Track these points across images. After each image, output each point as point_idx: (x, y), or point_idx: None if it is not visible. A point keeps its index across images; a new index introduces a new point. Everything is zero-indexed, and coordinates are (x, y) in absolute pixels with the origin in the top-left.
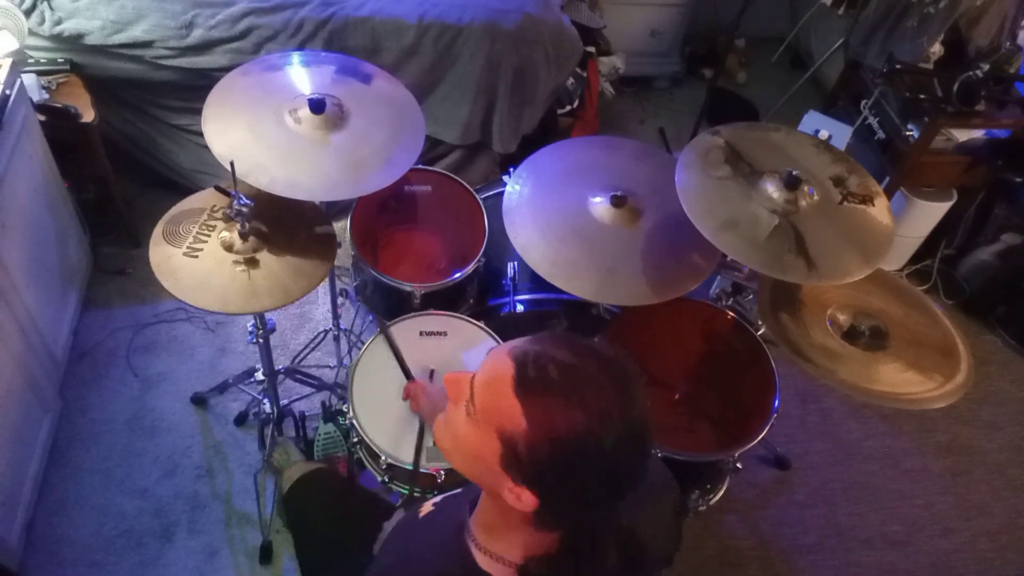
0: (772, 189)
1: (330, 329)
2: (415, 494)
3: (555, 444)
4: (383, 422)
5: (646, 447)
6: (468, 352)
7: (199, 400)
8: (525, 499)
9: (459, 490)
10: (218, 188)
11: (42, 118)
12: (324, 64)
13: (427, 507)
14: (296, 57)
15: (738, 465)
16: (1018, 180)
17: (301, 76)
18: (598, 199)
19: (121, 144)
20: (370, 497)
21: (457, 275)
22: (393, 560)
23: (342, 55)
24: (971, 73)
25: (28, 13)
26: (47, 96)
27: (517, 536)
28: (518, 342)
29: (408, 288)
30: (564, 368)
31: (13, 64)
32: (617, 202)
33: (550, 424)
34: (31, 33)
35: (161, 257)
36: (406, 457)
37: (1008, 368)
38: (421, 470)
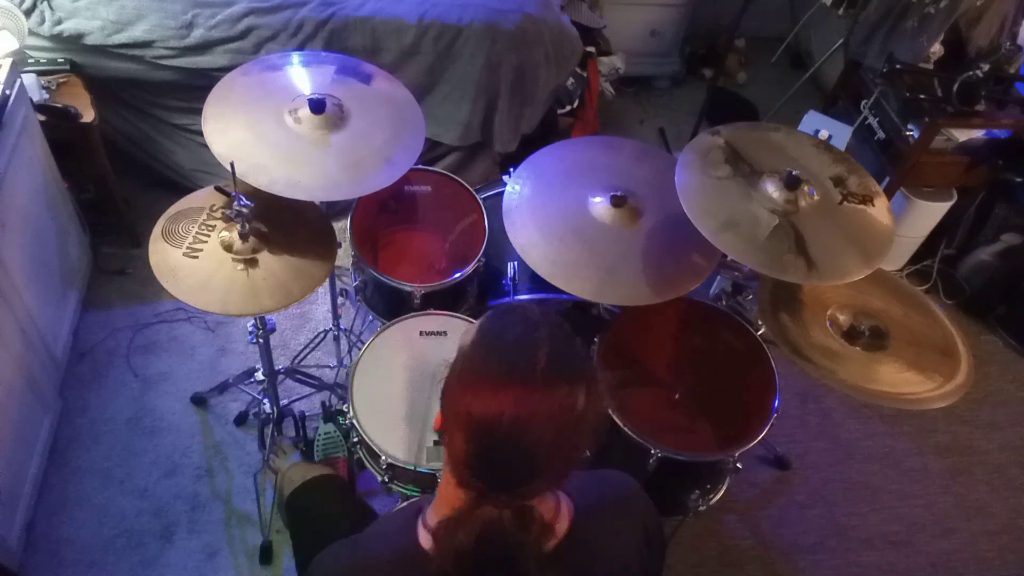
0: (772, 189)
1: (330, 329)
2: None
3: (466, 368)
4: (383, 422)
5: (534, 450)
6: None
7: (199, 400)
8: (438, 417)
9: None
10: (218, 188)
11: (42, 118)
12: (324, 64)
13: (402, 503)
14: (296, 57)
15: (738, 465)
16: (1018, 180)
17: (301, 76)
18: (598, 199)
19: (121, 144)
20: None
21: (457, 275)
22: (340, 544)
23: (342, 55)
24: (971, 73)
25: (28, 13)
26: (47, 96)
27: (447, 490)
28: (536, 308)
29: (408, 288)
30: (528, 323)
31: (13, 64)
32: (617, 202)
33: (477, 345)
34: (31, 33)
35: (161, 257)
36: (406, 457)
37: (1008, 368)
38: (419, 469)
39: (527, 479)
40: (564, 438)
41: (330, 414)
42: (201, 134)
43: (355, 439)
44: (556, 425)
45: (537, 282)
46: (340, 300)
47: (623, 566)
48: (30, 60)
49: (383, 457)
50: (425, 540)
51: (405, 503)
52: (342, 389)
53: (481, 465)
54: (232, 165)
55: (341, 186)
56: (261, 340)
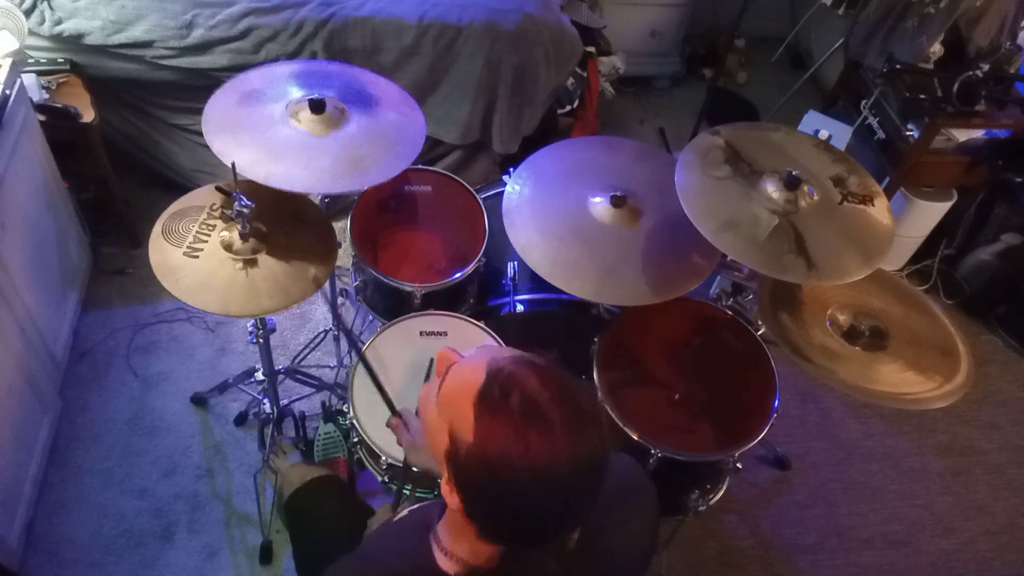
0: (772, 189)
1: (330, 329)
2: (413, 494)
3: (486, 468)
4: (383, 422)
5: (575, 502)
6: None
7: (199, 400)
8: (454, 499)
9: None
10: (219, 188)
11: (42, 118)
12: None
13: (403, 512)
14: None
15: (738, 465)
16: (1018, 180)
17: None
18: (598, 199)
19: (121, 144)
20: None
21: (457, 275)
22: (351, 558)
23: (342, 65)
24: (971, 73)
25: (28, 13)
26: (47, 96)
27: (467, 539)
28: (504, 353)
29: (408, 288)
30: (527, 400)
31: (13, 64)
32: (617, 202)
33: (489, 449)
34: (31, 33)
35: (161, 256)
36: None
37: (1008, 368)
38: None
39: (568, 528)
40: (591, 481)
41: (330, 414)
42: (201, 134)
43: (355, 439)
44: (584, 473)
45: (537, 282)
46: (340, 300)
47: (634, 554)
48: (30, 60)
49: (383, 457)
50: (446, 565)
51: (405, 512)
52: (342, 389)
53: (519, 530)
54: (233, 166)
55: (340, 181)
56: (261, 340)
